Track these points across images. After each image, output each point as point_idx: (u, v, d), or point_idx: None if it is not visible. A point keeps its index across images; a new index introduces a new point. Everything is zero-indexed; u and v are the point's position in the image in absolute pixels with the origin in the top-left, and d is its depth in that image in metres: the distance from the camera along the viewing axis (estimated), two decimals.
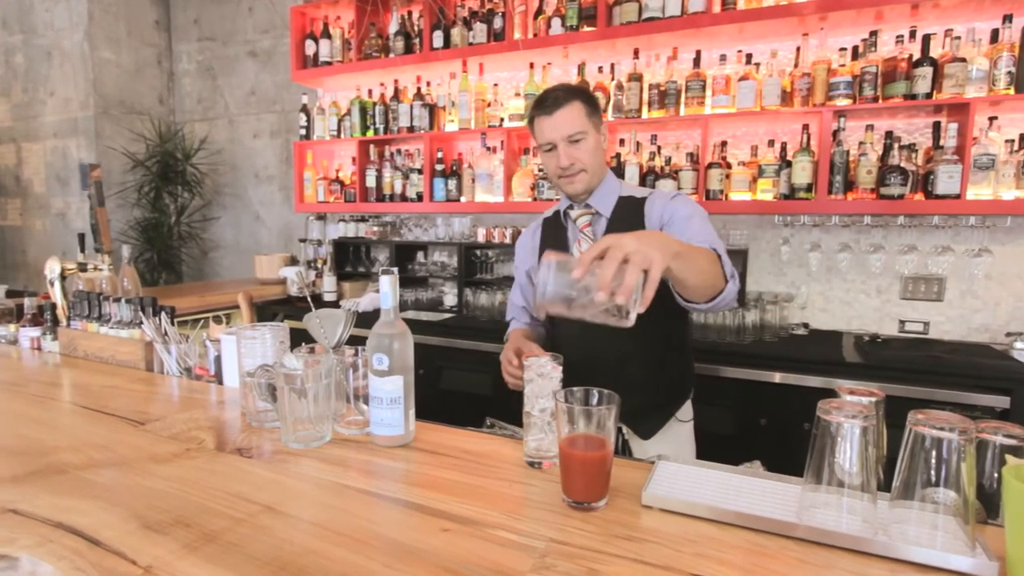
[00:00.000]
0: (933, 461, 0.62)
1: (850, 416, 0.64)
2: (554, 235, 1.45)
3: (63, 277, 1.77)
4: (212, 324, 1.38)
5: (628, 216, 1.33)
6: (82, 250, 1.90)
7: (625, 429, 1.33)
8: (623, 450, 1.32)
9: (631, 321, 0.78)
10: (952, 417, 0.63)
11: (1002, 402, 1.75)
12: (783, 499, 0.73)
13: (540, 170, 2.70)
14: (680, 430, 1.35)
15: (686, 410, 1.38)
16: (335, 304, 2.93)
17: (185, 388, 1.28)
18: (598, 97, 1.37)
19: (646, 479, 0.78)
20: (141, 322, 1.39)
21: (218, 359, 1.30)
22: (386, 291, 0.90)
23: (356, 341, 1.02)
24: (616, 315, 0.78)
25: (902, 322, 2.33)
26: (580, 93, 1.32)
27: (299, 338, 1.09)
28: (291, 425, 0.93)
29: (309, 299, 1.07)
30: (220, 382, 1.30)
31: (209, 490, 0.78)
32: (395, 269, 0.89)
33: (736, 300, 1.16)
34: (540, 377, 0.84)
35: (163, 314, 1.40)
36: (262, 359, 1.07)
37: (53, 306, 1.69)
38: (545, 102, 1.31)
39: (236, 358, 1.12)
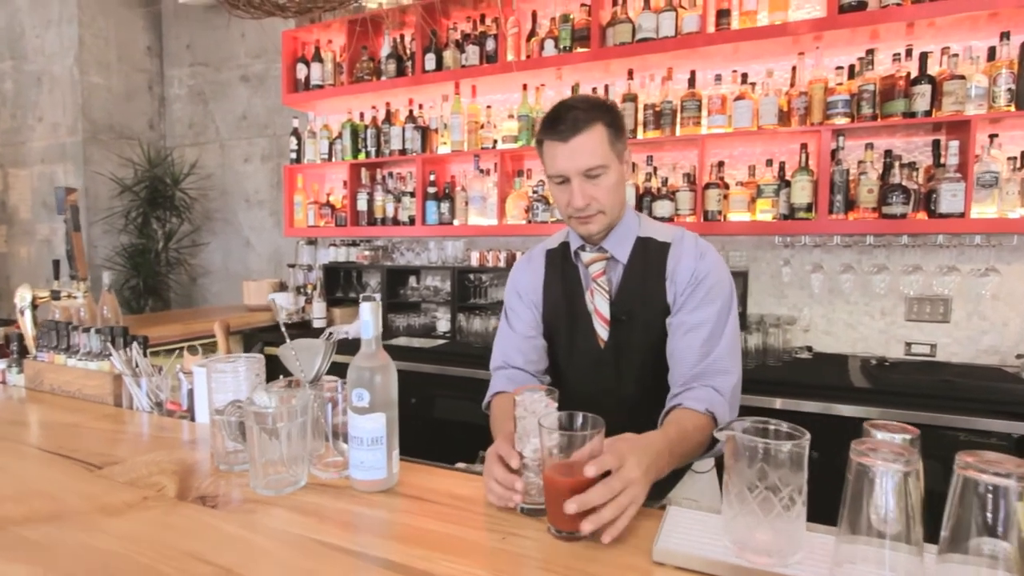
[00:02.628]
0: (989, 510, 0.54)
1: (890, 459, 0.56)
2: (563, 275, 1.21)
3: (34, 306, 1.69)
4: (186, 354, 1.30)
5: (648, 264, 1.14)
6: (56, 277, 1.81)
7: None
8: None
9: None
10: (1005, 460, 0.55)
11: (1018, 428, 1.67)
12: (812, 552, 0.65)
13: (534, 192, 2.65)
14: (698, 481, 1.20)
15: (704, 460, 1.21)
16: (322, 331, 2.84)
17: (154, 425, 1.19)
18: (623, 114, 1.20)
19: (656, 530, 0.70)
20: (110, 354, 1.31)
21: (191, 393, 1.22)
22: (367, 319, 0.83)
23: (343, 370, 0.93)
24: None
25: (908, 344, 2.26)
26: (603, 112, 1.08)
27: (283, 369, 1.00)
28: (261, 468, 0.84)
29: (283, 328, 0.99)
30: (192, 418, 1.21)
31: (162, 549, 0.69)
32: (377, 296, 0.81)
33: None
34: (532, 415, 0.76)
35: (134, 344, 1.32)
36: (234, 394, 0.99)
37: (20, 336, 1.61)
38: (559, 123, 1.06)
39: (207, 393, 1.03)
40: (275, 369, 1.05)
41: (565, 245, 1.24)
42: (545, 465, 0.73)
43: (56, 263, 1.81)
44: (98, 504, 0.80)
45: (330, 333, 0.95)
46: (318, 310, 2.92)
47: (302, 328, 2.95)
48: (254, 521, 0.76)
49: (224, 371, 0.99)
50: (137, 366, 1.31)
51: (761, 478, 0.61)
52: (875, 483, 0.57)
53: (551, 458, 0.73)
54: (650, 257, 1.14)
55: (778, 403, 1.88)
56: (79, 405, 1.32)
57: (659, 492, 1.16)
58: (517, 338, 1.23)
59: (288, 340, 0.92)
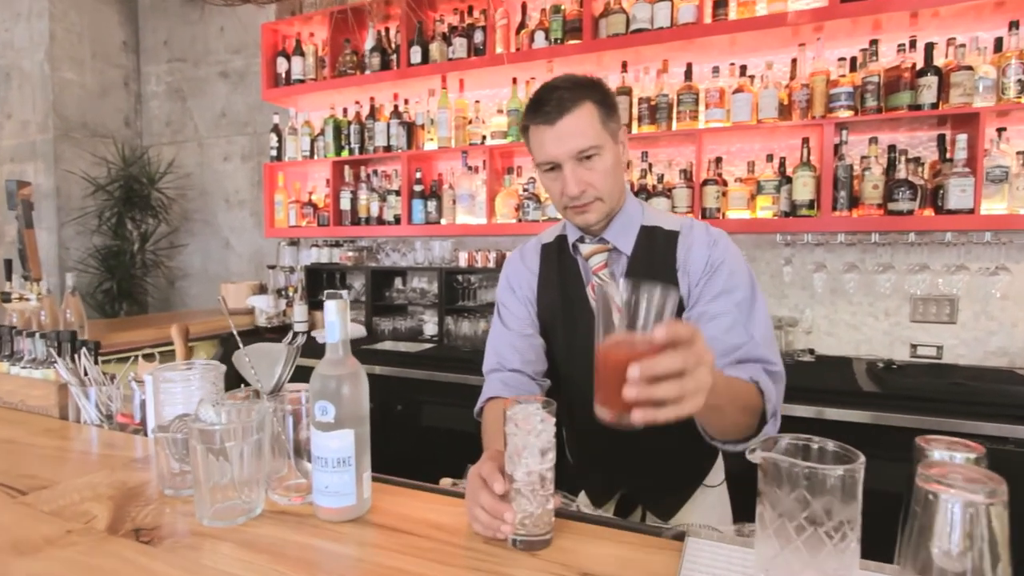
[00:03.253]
0: None
1: (969, 489, 0.46)
2: (560, 270, 1.10)
3: None
4: (141, 361, 1.17)
5: (655, 255, 1.03)
6: (8, 278, 1.68)
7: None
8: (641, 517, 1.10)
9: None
10: None
11: None
12: None
13: (525, 190, 2.54)
14: (709, 495, 1.10)
15: (716, 472, 1.12)
16: (306, 335, 2.71)
17: (101, 442, 1.06)
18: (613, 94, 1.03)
19: (675, 568, 0.58)
20: (55, 361, 1.18)
21: (144, 404, 1.09)
22: (332, 320, 0.71)
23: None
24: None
25: (913, 346, 2.17)
26: (591, 89, 0.98)
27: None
28: (208, 495, 0.72)
29: (235, 333, 0.86)
30: (146, 433, 1.09)
31: None
32: (344, 293, 0.70)
33: None
34: (525, 432, 0.65)
35: (83, 350, 1.19)
36: (185, 407, 0.86)
37: None
38: (543, 105, 0.96)
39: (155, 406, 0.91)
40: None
41: (562, 238, 1.12)
42: (600, 339, 0.63)
43: (8, 263, 1.67)
44: (11, 539, 0.68)
45: (294, 336, 0.83)
46: (299, 313, 2.78)
47: (282, 332, 2.82)
48: (195, 560, 0.64)
49: (173, 380, 0.87)
50: (86, 374, 1.18)
51: (806, 509, 0.50)
52: (950, 516, 0.47)
53: (608, 332, 0.62)
54: (657, 247, 1.03)
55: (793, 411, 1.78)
56: (20, 418, 1.19)
57: (669, 510, 1.05)
58: (512, 336, 1.11)
59: (240, 345, 0.80)
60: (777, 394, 0.88)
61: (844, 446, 0.53)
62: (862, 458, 0.50)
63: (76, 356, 1.19)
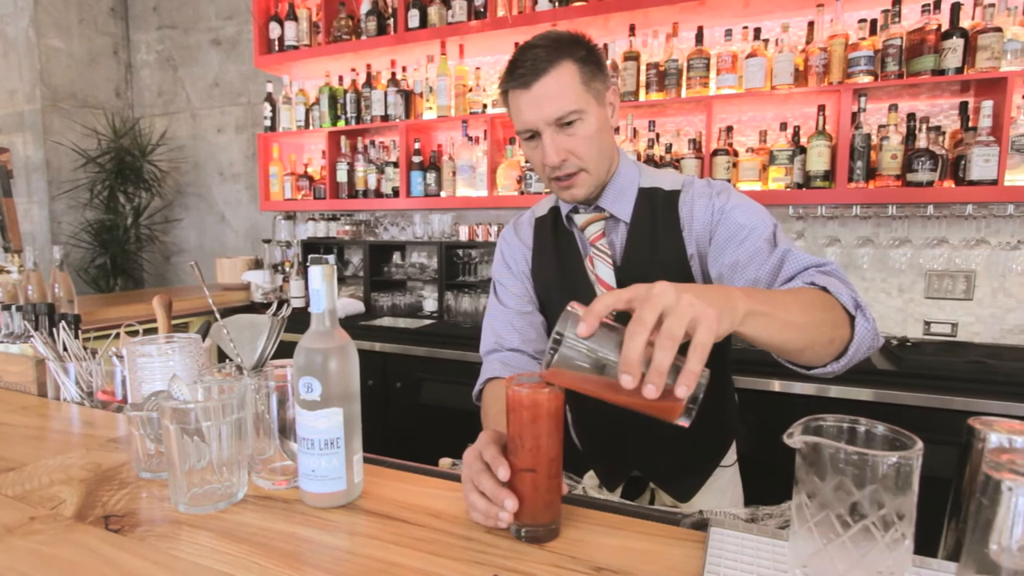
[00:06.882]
0: None
1: None
2: (555, 243, 1.03)
3: None
4: (123, 335, 1.11)
5: (656, 219, 0.95)
6: None
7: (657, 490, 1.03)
8: (650, 500, 1.05)
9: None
10: None
11: None
12: None
13: (527, 161, 2.45)
14: (722, 476, 1.04)
15: (731, 452, 1.07)
16: (290, 306, 2.65)
17: (81, 420, 1.00)
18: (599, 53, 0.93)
19: (700, 561, 0.53)
20: (31, 335, 1.11)
21: (125, 380, 1.03)
22: (317, 288, 0.64)
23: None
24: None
25: (927, 323, 2.11)
26: (571, 47, 0.89)
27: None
28: (183, 478, 0.66)
29: (213, 307, 0.80)
30: None
31: None
32: (330, 258, 0.63)
33: (877, 341, 0.76)
34: None
35: (62, 324, 1.12)
36: (163, 384, 0.80)
37: None
38: (519, 66, 0.88)
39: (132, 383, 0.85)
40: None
41: (555, 210, 1.06)
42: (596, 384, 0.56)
43: None
44: None
45: (279, 307, 0.76)
46: (296, 289, 2.72)
47: (279, 307, 2.76)
48: (167, 551, 0.58)
49: (150, 355, 0.80)
50: (65, 349, 1.12)
51: (853, 501, 0.44)
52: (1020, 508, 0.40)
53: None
54: (658, 210, 0.95)
55: (789, 387, 1.73)
56: None
57: (687, 492, 1.00)
58: (510, 314, 1.05)
59: (218, 317, 0.74)
60: (847, 287, 0.76)
61: (896, 429, 0.46)
62: (919, 443, 0.44)
63: (55, 330, 1.13)
